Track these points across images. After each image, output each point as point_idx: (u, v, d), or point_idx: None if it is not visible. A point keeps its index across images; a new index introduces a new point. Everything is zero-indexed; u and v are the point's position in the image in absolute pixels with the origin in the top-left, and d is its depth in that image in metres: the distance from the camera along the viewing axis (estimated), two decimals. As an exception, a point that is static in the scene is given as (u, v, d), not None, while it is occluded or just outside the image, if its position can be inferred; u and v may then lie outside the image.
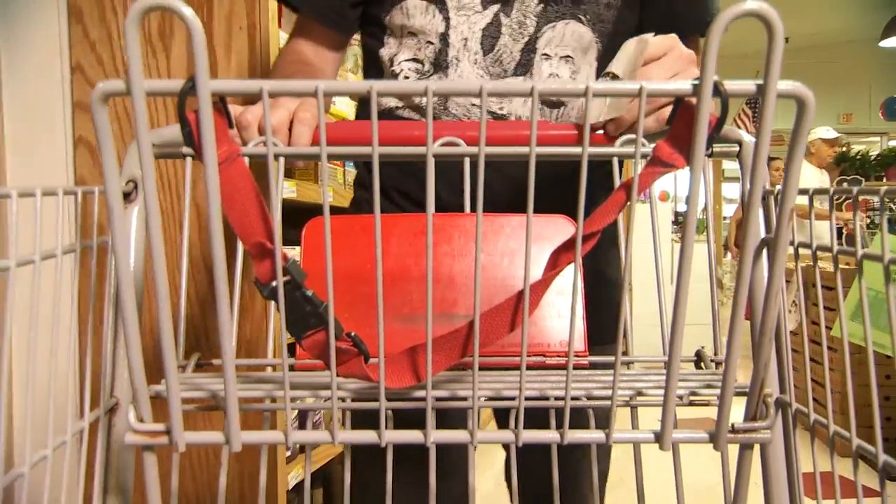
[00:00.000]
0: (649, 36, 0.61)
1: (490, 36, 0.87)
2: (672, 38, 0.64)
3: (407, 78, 0.88)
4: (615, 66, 0.63)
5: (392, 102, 0.91)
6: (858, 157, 5.86)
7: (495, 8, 0.87)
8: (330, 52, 0.99)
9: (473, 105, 0.86)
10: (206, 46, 0.34)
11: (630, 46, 0.61)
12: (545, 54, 0.88)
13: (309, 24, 0.97)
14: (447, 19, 0.87)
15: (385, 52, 0.91)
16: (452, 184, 0.71)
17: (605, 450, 0.95)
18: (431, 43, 0.88)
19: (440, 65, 0.87)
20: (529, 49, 0.87)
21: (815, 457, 0.44)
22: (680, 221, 6.70)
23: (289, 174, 1.55)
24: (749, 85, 0.35)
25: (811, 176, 4.75)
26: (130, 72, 0.33)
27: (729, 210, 8.51)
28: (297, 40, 0.98)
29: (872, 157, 5.77)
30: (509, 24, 0.87)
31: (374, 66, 0.95)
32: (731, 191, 8.64)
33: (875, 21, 5.73)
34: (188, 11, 0.33)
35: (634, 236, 0.46)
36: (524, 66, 0.88)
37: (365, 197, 0.97)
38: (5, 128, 1.34)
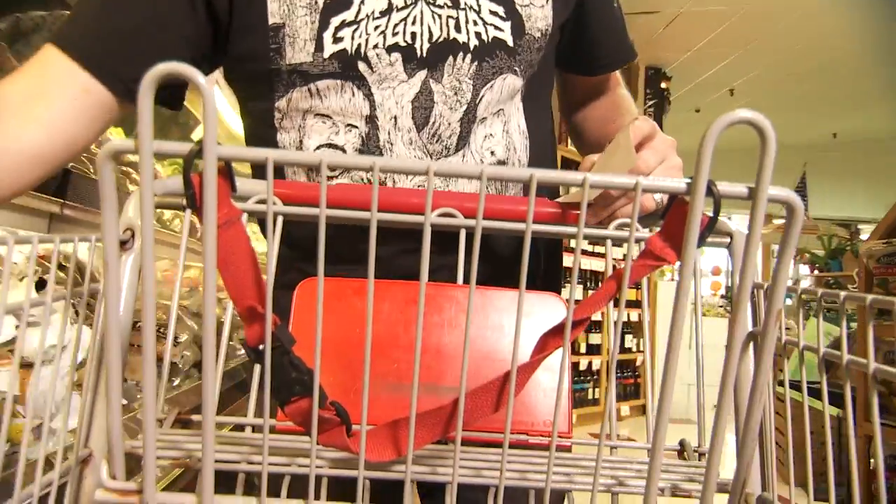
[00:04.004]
0: (630, 126, 0.63)
1: (421, 107, 0.75)
2: (651, 123, 0.66)
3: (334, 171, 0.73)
4: (608, 162, 0.64)
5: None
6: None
7: (422, 74, 0.75)
8: (85, 111, 0.68)
9: (420, 186, 0.74)
10: (216, 114, 0.34)
11: (620, 140, 0.63)
12: (483, 118, 0.78)
13: (68, 67, 0.67)
14: (369, 97, 0.74)
15: (284, 139, 0.77)
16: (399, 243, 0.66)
17: None
18: (354, 126, 0.75)
19: (371, 152, 0.75)
20: (470, 119, 0.77)
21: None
22: (729, 296, 6.75)
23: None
24: (741, 188, 0.36)
25: None
26: (140, 133, 0.34)
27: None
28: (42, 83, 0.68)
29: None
30: (442, 92, 0.76)
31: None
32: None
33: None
34: (202, 79, 0.34)
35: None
36: (465, 139, 0.77)
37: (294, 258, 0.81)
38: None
